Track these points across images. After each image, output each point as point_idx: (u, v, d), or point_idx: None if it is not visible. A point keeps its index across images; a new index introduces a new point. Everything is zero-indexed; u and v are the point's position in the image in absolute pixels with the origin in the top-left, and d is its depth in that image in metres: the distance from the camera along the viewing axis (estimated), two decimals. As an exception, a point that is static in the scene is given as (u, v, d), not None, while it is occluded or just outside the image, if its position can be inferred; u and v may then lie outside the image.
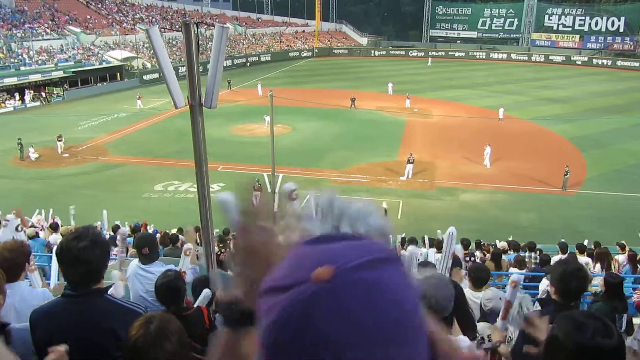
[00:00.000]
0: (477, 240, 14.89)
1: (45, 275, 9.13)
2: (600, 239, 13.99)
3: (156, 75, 53.49)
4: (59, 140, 30.37)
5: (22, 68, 47.10)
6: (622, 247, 12.43)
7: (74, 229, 2.94)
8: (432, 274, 3.03)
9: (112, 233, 14.53)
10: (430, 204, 23.70)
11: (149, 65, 58.85)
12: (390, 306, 0.73)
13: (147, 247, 5.03)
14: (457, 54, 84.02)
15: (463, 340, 3.02)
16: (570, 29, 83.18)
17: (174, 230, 14.27)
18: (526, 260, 12.14)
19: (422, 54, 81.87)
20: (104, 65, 54.63)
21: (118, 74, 55.62)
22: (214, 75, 4.64)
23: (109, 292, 2.90)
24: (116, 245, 5.68)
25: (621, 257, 11.57)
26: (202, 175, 5.16)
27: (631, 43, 77.21)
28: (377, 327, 0.71)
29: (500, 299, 4.88)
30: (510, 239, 16.43)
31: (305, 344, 0.70)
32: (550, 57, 78.26)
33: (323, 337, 0.69)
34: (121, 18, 69.35)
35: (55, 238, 11.48)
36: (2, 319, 2.73)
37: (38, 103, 46.23)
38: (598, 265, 11.14)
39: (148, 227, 15.95)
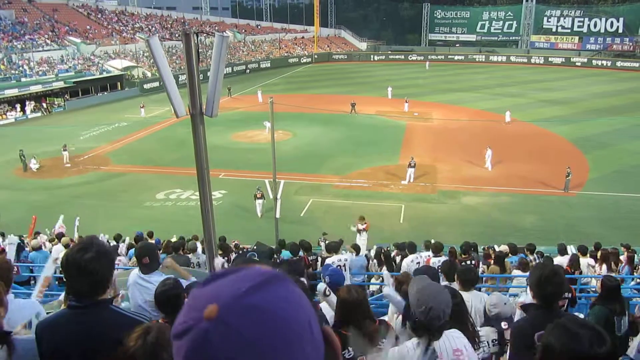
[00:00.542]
0: (473, 243, 14.43)
1: (49, 286, 9.14)
2: (603, 240, 13.95)
3: (156, 84, 53.68)
4: (65, 150, 30.45)
5: (23, 79, 47.29)
6: (628, 248, 12.39)
7: (78, 240, 2.95)
8: (427, 283, 3.08)
9: (114, 242, 14.55)
10: (433, 207, 23.69)
11: (149, 74, 59.04)
12: (275, 323, 0.84)
13: (147, 256, 5.03)
14: (456, 57, 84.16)
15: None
16: (569, 31, 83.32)
17: (174, 239, 14.28)
18: (530, 262, 12.11)
19: (422, 57, 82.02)
20: (105, 75, 54.84)
21: (118, 83, 55.80)
22: (215, 84, 4.67)
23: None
24: (119, 255, 5.71)
25: (622, 258, 11.58)
26: (204, 183, 5.19)
27: (630, 44, 77.27)
28: (265, 344, 0.82)
29: (505, 304, 4.89)
30: (506, 242, 16.32)
31: None
32: (550, 59, 78.35)
33: None
34: (121, 28, 69.64)
35: (58, 249, 11.48)
36: None
37: (39, 114, 46.37)
38: (604, 267, 11.12)
39: (149, 237, 15.93)
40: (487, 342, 4.54)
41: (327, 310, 4.88)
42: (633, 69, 69.07)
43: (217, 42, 4.63)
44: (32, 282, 10.00)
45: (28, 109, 45.80)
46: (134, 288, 4.99)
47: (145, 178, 28.04)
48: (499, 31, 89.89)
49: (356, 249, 11.21)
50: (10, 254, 4.64)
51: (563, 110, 43.43)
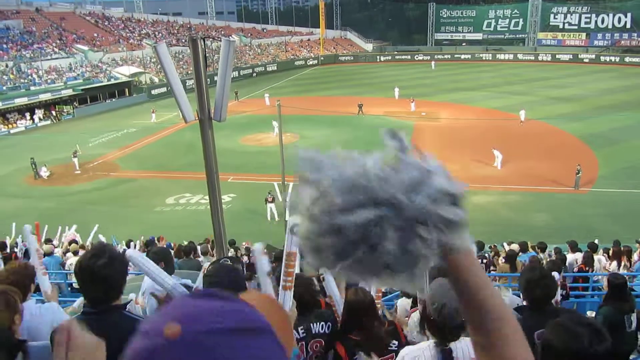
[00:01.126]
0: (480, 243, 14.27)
1: (60, 292, 9.21)
2: (616, 237, 13.83)
3: (164, 90, 53.93)
4: (75, 157, 30.65)
5: (32, 88, 47.75)
6: None
7: (91, 247, 2.98)
8: (443, 281, 2.99)
9: (126, 248, 14.62)
10: (442, 207, 23.57)
11: (156, 79, 59.36)
12: None
13: (163, 261, 5.03)
14: (463, 57, 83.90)
15: None
16: (576, 27, 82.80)
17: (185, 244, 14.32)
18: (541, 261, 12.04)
19: (428, 57, 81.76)
20: (112, 81, 55.23)
21: (126, 89, 56.17)
22: (222, 89, 4.69)
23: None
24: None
25: (637, 255, 11.48)
26: (213, 187, 5.21)
27: (639, 39, 76.69)
28: None
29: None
30: (517, 241, 16.22)
31: None
32: (557, 56, 77.87)
33: None
34: (128, 34, 70.11)
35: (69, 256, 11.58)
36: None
37: (48, 122, 46.78)
38: (614, 263, 11.04)
39: (161, 242, 16.02)
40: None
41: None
42: (642, 64, 68.57)
43: (223, 46, 4.66)
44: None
45: (37, 117, 46.20)
46: (149, 294, 5.00)
47: (155, 183, 28.17)
48: (506, 29, 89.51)
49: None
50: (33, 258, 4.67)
51: (572, 107, 43.15)
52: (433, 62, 76.33)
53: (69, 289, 10.30)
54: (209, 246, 12.62)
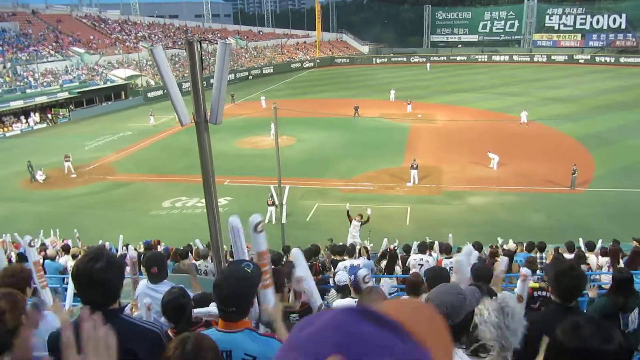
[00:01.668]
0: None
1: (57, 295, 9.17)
2: (612, 236, 13.88)
3: (160, 92, 53.91)
4: (67, 161, 30.58)
5: (28, 91, 47.63)
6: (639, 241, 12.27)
7: (88, 250, 2.98)
8: (444, 284, 3.00)
9: (121, 250, 14.57)
10: (438, 208, 23.66)
11: (152, 82, 59.32)
12: None
13: (156, 266, 5.02)
14: (459, 58, 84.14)
15: None
16: (571, 28, 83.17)
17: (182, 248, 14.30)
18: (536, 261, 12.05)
19: (424, 59, 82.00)
20: (109, 84, 55.15)
21: (122, 92, 56.06)
22: (219, 92, 4.69)
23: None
24: (127, 264, 5.67)
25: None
26: (209, 190, 5.20)
27: (634, 39, 77.09)
28: None
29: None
30: (514, 241, 16.26)
31: None
32: (553, 57, 78.19)
33: None
34: (124, 37, 70.02)
35: (67, 260, 11.53)
36: None
37: (44, 125, 46.66)
38: (603, 259, 11.09)
39: (159, 246, 15.99)
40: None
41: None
42: (636, 65, 68.85)
43: (220, 49, 4.66)
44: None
45: (32, 120, 46.05)
46: (143, 298, 4.98)
47: (151, 187, 28.13)
48: (501, 31, 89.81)
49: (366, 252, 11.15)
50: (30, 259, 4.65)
51: (567, 107, 43.32)
52: (428, 64, 76.55)
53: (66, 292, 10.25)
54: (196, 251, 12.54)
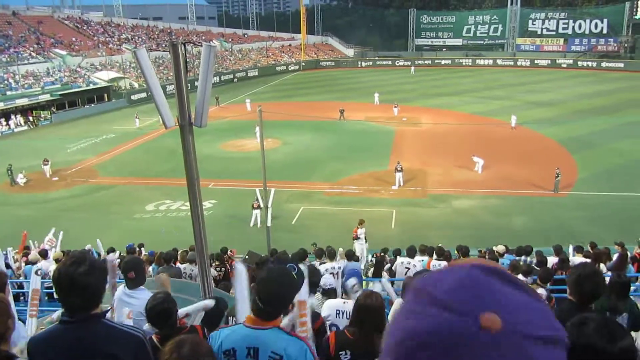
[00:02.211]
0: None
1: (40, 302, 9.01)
2: (595, 239, 14.05)
3: (144, 95, 53.53)
4: (45, 165, 30.21)
5: (9, 93, 46.99)
6: (622, 245, 12.42)
7: (71, 254, 2.94)
8: None
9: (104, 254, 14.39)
10: (424, 212, 23.76)
11: (136, 85, 58.90)
12: None
13: (133, 270, 4.95)
14: (443, 62, 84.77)
15: None
16: (554, 33, 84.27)
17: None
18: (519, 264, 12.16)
19: (409, 63, 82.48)
20: (91, 86, 54.65)
21: (105, 95, 55.59)
22: (203, 94, 4.68)
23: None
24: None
25: (615, 257, 11.64)
26: (194, 193, 5.18)
27: (615, 44, 78.30)
28: None
29: None
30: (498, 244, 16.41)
31: None
32: (536, 61, 79.16)
33: None
34: (107, 39, 69.47)
35: (45, 265, 11.32)
36: None
37: (25, 127, 46.03)
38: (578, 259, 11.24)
39: (142, 249, 15.83)
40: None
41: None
42: (618, 69, 69.98)
43: (204, 51, 4.65)
44: (22, 298, 9.88)
45: (13, 122, 45.36)
46: (120, 304, 4.91)
47: (134, 190, 27.89)
48: (485, 35, 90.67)
49: (349, 255, 11.13)
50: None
51: (550, 111, 43.84)
52: (412, 67, 77.05)
53: (47, 298, 10.11)
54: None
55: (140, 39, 73.20)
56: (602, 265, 11.06)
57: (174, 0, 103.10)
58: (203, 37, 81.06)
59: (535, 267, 10.55)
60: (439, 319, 0.68)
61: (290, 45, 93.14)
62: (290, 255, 11.44)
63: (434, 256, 11.34)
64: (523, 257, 12.53)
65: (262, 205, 20.35)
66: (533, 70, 74.09)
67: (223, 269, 12.26)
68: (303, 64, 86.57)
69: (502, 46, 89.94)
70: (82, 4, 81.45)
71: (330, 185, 27.26)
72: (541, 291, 6.36)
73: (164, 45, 70.64)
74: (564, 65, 76.20)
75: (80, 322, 2.62)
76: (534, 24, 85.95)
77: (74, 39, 64.26)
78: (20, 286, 11.10)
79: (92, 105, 53.55)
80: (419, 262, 11.15)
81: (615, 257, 11.74)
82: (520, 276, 10.69)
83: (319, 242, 16.45)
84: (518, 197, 24.96)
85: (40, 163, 30.45)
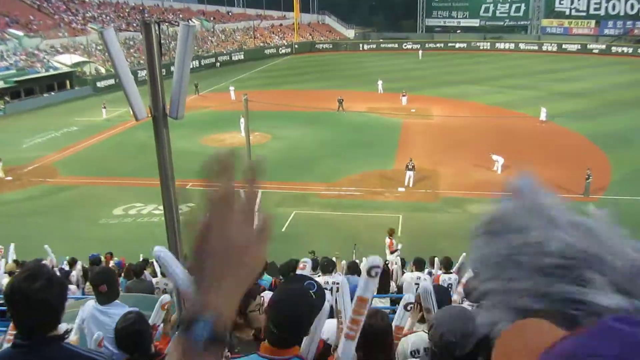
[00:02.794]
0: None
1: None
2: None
3: (112, 82, 53.37)
4: (-5, 162, 30.11)
5: (-46, 79, 46.80)
6: None
7: (25, 266, 2.91)
8: (450, 306, 2.99)
9: (67, 268, 14.34)
10: (435, 218, 23.78)
11: (103, 70, 58.75)
12: None
13: (105, 283, 4.90)
14: (457, 45, 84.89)
15: None
16: (584, 14, 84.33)
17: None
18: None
19: (418, 46, 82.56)
20: (51, 72, 54.41)
21: (68, 81, 55.40)
22: (180, 81, 4.66)
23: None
24: (71, 282, 5.59)
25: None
26: (169, 195, 5.15)
27: (654, 28, 78.50)
28: None
29: None
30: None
31: None
32: (564, 46, 79.33)
33: None
34: (70, 18, 69.24)
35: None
36: None
37: (-26, 118, 45.87)
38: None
39: (111, 261, 15.78)
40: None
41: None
42: (658, 56, 70.22)
43: (181, 32, 4.62)
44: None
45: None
46: (91, 322, 4.85)
47: (100, 191, 27.81)
48: (506, 15, 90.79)
49: (351, 267, 11.07)
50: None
51: (580, 103, 43.92)
52: (420, 51, 77.07)
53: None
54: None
55: (108, 18, 73.02)
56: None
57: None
58: (180, 16, 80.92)
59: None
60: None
61: (281, 25, 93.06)
62: (278, 267, 11.42)
63: (442, 269, 11.35)
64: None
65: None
66: (560, 57, 74.23)
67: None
68: (296, 46, 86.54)
69: (525, 28, 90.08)
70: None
71: (326, 186, 27.24)
72: None
73: (135, 24, 70.45)
74: (596, 51, 76.36)
75: (35, 345, 2.60)
76: (562, 4, 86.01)
77: (32, 18, 63.98)
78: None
79: (53, 93, 53.38)
80: (428, 276, 11.16)
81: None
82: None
83: (316, 252, 16.42)
84: (543, 201, 24.94)
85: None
